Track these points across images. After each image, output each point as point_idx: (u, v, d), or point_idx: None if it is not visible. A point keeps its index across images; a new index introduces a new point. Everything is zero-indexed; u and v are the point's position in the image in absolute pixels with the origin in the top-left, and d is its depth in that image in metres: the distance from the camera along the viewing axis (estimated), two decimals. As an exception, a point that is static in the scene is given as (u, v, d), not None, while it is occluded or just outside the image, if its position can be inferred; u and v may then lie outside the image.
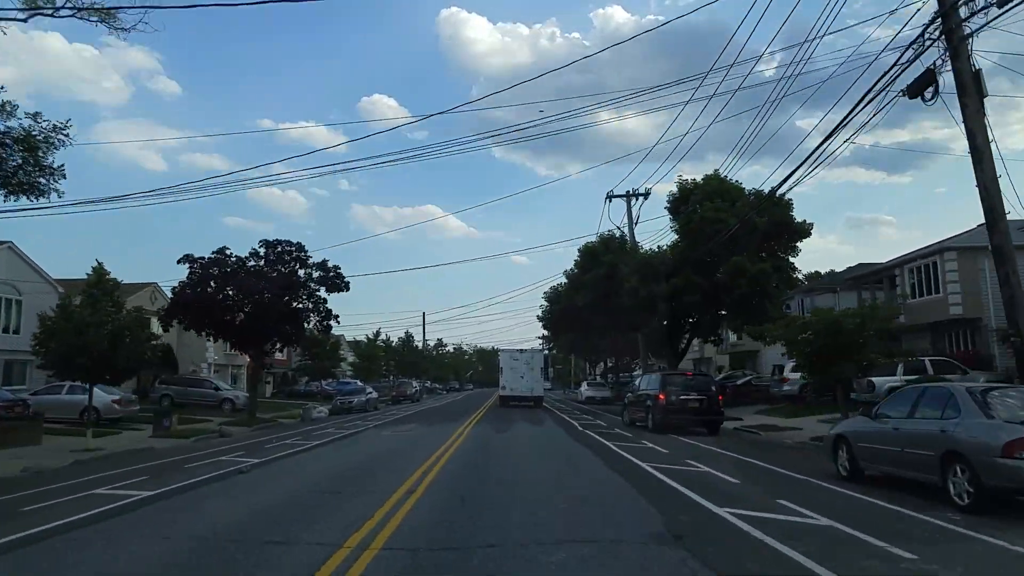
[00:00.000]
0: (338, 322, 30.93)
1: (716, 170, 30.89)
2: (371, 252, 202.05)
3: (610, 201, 38.80)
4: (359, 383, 50.68)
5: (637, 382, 24.54)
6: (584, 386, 51.15)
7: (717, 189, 29.76)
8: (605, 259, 31.23)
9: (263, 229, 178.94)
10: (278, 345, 31.77)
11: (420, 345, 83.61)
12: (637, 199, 38.34)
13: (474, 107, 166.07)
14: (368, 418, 30.59)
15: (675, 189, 32.16)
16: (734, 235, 27.42)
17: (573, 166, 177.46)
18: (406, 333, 79.57)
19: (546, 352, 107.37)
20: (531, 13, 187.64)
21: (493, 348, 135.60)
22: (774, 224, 30.23)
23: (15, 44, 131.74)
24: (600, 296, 31.68)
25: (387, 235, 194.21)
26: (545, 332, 65.90)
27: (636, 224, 37.48)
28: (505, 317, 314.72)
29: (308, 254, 29.87)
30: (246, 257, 29.66)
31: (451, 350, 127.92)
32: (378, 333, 65.95)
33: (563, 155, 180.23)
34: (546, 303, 51.50)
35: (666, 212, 33.39)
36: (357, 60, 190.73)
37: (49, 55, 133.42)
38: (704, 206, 28.88)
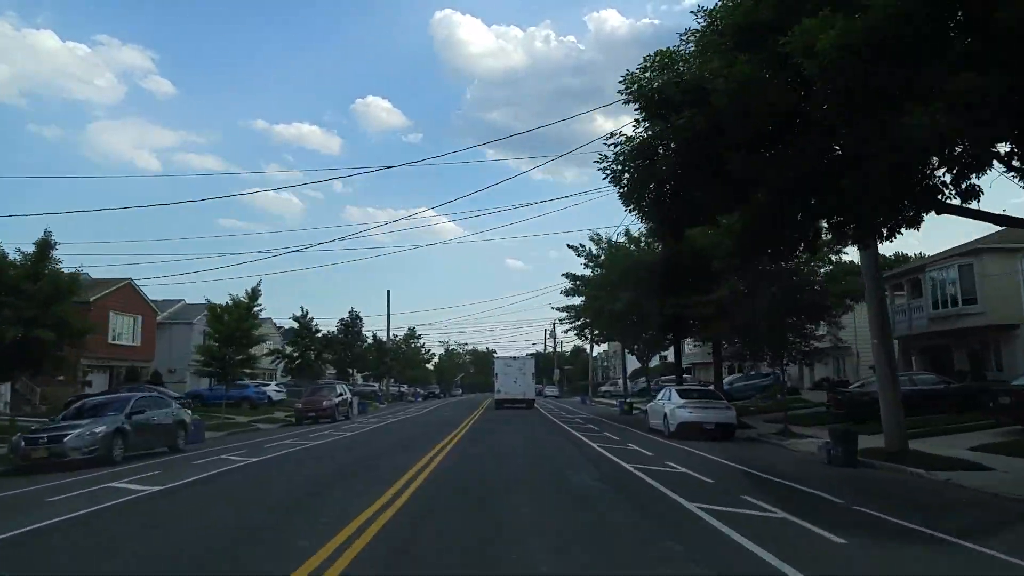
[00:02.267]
0: None
1: None
2: (364, 254, 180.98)
3: None
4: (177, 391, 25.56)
5: None
6: (672, 397, 20.68)
7: None
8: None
9: (258, 230, 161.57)
10: None
11: (380, 336, 58.94)
12: None
13: (467, 110, 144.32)
14: None
15: None
16: None
17: (569, 170, 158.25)
18: (350, 313, 52.10)
19: (548, 352, 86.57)
20: (525, 15, 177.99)
21: (487, 349, 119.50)
22: None
23: (8, 41, 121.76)
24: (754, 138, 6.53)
25: (379, 237, 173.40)
26: (580, 278, 33.22)
27: None
28: (502, 317, 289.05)
29: None
30: None
31: (443, 351, 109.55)
32: (255, 293, 30.21)
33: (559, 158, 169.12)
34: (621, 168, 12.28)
35: None
36: (352, 61, 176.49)
37: (42, 53, 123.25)
38: None
